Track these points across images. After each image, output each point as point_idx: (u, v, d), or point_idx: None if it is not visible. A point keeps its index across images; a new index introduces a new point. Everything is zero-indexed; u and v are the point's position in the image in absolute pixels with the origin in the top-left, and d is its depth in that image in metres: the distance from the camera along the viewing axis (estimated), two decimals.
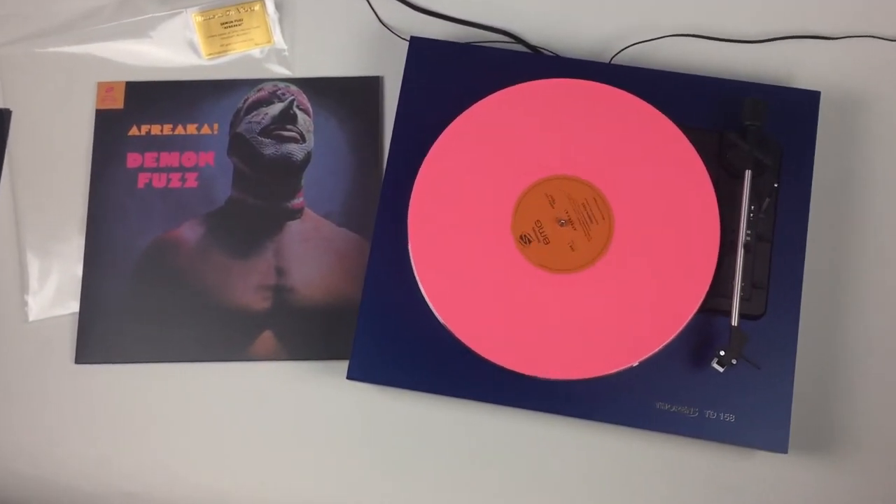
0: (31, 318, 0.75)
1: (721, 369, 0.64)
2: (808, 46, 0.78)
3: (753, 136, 0.69)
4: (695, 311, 0.66)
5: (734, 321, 0.65)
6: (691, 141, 0.69)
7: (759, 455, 0.70)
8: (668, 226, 0.68)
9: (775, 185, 0.69)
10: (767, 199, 0.68)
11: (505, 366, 0.66)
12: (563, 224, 0.68)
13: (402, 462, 0.71)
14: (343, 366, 0.68)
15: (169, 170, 0.77)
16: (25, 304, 0.75)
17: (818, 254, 0.72)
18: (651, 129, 0.70)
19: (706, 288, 0.67)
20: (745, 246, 0.67)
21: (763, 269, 0.68)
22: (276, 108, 0.78)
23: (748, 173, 0.68)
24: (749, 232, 0.67)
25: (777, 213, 0.69)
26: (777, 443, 0.65)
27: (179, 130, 0.78)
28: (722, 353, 0.64)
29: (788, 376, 0.66)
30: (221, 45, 0.80)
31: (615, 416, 0.66)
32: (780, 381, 0.66)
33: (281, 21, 0.80)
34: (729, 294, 0.67)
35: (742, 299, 0.66)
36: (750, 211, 0.68)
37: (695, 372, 0.67)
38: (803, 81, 0.76)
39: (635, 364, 0.66)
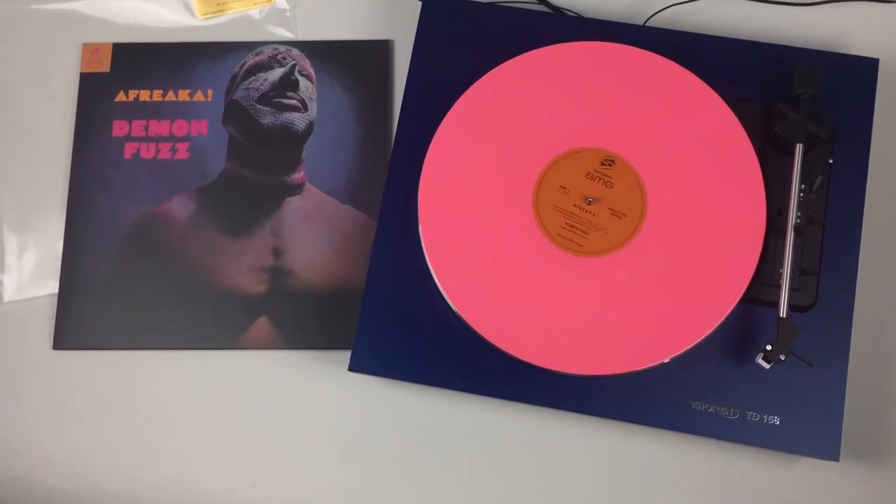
0: (6, 299, 0.73)
1: (767, 366, 0.60)
2: (866, 10, 0.74)
3: (806, 106, 0.64)
4: (736, 301, 0.62)
5: (782, 312, 0.61)
6: (735, 112, 0.65)
7: (807, 462, 0.66)
8: (707, 206, 0.64)
9: (830, 162, 0.65)
10: (820, 177, 0.64)
11: (523, 359, 0.62)
12: (591, 202, 0.65)
13: (407, 462, 0.68)
14: (345, 356, 0.65)
15: (158, 139, 0.74)
16: (0, 283, 0.73)
17: (875, 238, 0.68)
18: (690, 98, 0.66)
19: (749, 276, 0.63)
20: (795, 229, 0.62)
21: (814, 255, 0.64)
22: (276, 73, 0.75)
23: (800, 147, 0.63)
24: (799, 213, 0.63)
25: (830, 192, 0.65)
26: (827, 449, 0.61)
27: (170, 97, 0.75)
28: (769, 347, 0.60)
29: (840, 374, 0.62)
30: (217, 4, 0.77)
31: (646, 416, 0.63)
32: (832, 379, 0.62)
33: None
34: (775, 283, 0.62)
35: (790, 288, 0.62)
36: (800, 190, 0.63)
37: (735, 369, 0.63)
38: (860, 48, 0.72)
39: (668, 360, 0.62)
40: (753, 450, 0.65)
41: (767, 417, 0.62)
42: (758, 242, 0.63)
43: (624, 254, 0.63)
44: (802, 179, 0.63)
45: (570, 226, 0.64)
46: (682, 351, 0.62)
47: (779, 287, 0.61)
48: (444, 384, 0.64)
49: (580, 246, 0.63)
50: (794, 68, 0.64)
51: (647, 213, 0.64)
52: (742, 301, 0.62)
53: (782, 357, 0.59)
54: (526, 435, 0.67)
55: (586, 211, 0.64)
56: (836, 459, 0.61)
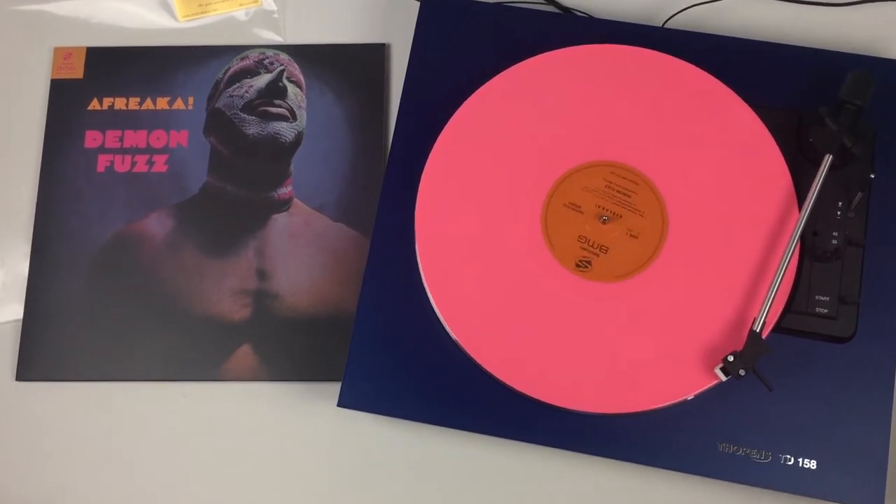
0: None
1: (724, 378, 0.58)
2: None
3: (848, 117, 0.60)
4: (768, 331, 0.59)
5: (757, 326, 0.57)
6: (764, 121, 0.63)
7: None
8: (734, 226, 0.61)
9: (871, 177, 0.61)
10: (860, 194, 0.60)
11: (531, 395, 0.60)
12: (606, 221, 0.62)
13: None
14: (334, 388, 0.64)
15: (134, 151, 0.73)
16: None
17: None
18: (714, 106, 0.64)
19: (783, 303, 0.60)
20: (836, 251, 0.59)
21: (853, 281, 0.60)
22: (263, 79, 0.74)
23: (828, 158, 0.59)
24: (836, 234, 0.59)
25: (870, 211, 0.62)
26: (869, 497, 0.58)
27: (148, 105, 0.74)
28: (731, 358, 0.57)
29: (884, 414, 0.59)
30: (200, 6, 0.76)
31: (667, 459, 0.60)
32: (874, 419, 0.59)
33: None
34: (812, 311, 0.59)
35: (826, 317, 0.59)
36: (838, 208, 0.60)
37: (767, 406, 0.59)
38: None
39: (691, 397, 0.59)
40: (787, 497, 0.62)
41: (803, 461, 0.59)
42: (791, 267, 0.59)
43: (642, 279, 0.60)
44: (840, 196, 0.60)
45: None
46: (707, 387, 0.59)
47: (810, 314, 0.59)
48: (442, 422, 0.61)
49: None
50: (847, 75, 0.61)
51: (667, 233, 0.61)
52: (774, 331, 0.59)
53: (742, 372, 0.57)
54: (533, 478, 0.65)
55: (601, 231, 0.61)
56: None
